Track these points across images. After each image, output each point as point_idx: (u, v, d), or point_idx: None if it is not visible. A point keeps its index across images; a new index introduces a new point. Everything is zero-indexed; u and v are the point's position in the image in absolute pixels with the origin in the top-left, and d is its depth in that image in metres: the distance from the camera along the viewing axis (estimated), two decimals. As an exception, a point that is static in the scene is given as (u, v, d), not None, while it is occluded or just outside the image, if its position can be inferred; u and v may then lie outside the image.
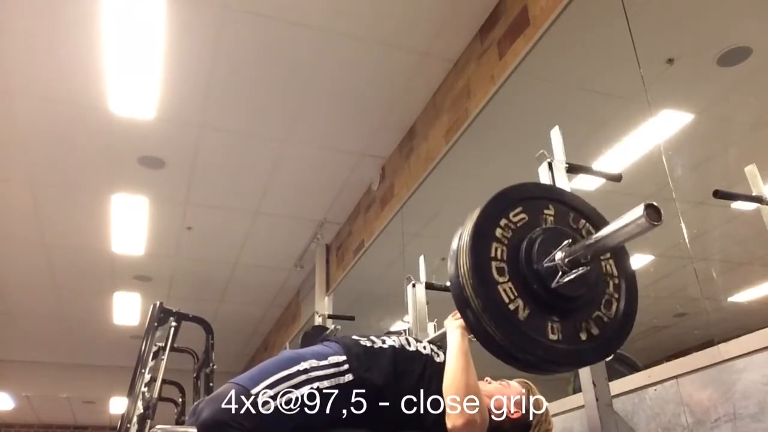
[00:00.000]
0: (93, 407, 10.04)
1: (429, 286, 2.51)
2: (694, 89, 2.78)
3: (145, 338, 3.44)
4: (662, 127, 2.48)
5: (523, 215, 1.26)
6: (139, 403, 3.17)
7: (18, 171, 4.48)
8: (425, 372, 1.47)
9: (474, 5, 3.22)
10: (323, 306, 5.41)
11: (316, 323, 4.73)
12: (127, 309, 6.98)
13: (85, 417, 10.67)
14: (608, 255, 1.33)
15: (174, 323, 3.53)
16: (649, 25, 2.45)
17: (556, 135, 1.81)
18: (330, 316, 4.70)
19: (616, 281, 1.32)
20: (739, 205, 2.55)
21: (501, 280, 1.18)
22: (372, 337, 1.52)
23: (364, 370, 1.39)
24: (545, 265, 1.19)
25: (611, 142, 2.84)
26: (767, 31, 2.44)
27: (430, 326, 2.49)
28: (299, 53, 3.49)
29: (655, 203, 1.01)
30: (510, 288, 1.18)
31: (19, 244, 5.55)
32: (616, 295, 1.30)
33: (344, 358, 1.40)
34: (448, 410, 1.37)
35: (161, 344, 3.46)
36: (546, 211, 1.30)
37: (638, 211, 1.02)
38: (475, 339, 1.28)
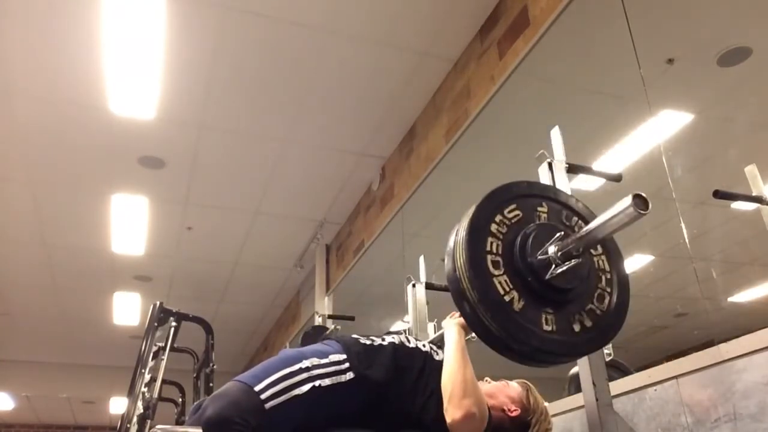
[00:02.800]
0: (93, 407, 10.04)
1: (429, 286, 2.51)
2: (694, 89, 2.78)
3: (145, 338, 3.44)
4: (662, 127, 2.48)
5: (517, 212, 1.30)
6: (139, 403, 3.17)
7: (18, 171, 4.48)
8: (425, 368, 1.48)
9: (474, 5, 3.22)
10: (323, 306, 5.41)
11: (316, 323, 4.73)
12: (127, 309, 6.97)
13: (85, 417, 10.67)
14: (600, 251, 1.37)
15: (174, 323, 3.53)
16: (649, 25, 2.45)
17: (556, 135, 1.81)
18: (330, 316, 4.70)
19: (608, 276, 1.35)
20: (739, 205, 2.55)
21: (496, 272, 1.22)
22: (372, 336, 1.53)
23: (365, 368, 1.40)
24: (539, 257, 1.23)
25: (611, 142, 2.85)
26: (767, 31, 2.44)
27: (430, 326, 2.49)
28: (299, 53, 3.49)
29: (642, 194, 1.06)
30: (505, 280, 1.22)
31: (19, 244, 5.55)
32: (609, 290, 1.34)
33: (344, 356, 1.41)
34: (446, 404, 1.38)
35: (161, 344, 3.46)
36: (540, 209, 1.34)
37: (626, 201, 1.06)
38: (474, 338, 1.29)
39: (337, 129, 4.16)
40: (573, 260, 1.21)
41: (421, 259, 2.60)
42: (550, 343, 1.21)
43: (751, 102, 2.65)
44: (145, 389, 3.23)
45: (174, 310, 3.56)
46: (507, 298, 1.20)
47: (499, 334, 1.19)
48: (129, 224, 5.25)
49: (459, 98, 3.49)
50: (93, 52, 3.42)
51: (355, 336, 1.51)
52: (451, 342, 1.52)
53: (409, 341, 1.55)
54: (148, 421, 3.09)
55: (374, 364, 1.42)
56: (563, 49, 2.84)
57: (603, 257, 1.36)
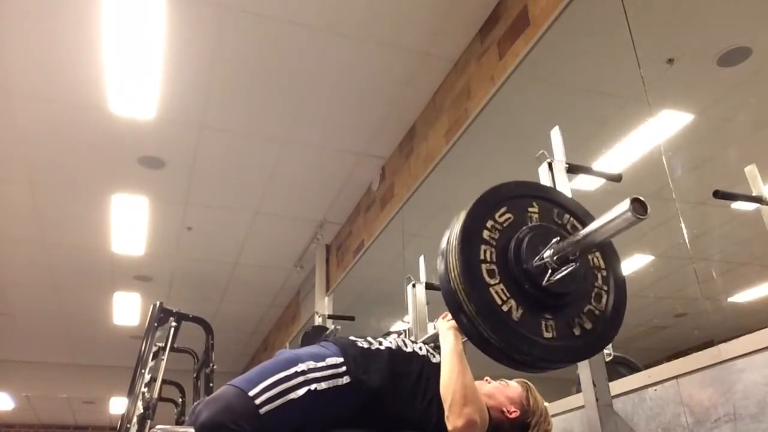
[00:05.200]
0: (93, 407, 10.05)
1: (429, 286, 2.51)
2: (694, 89, 2.78)
3: (145, 338, 3.43)
4: (662, 127, 2.48)
5: (508, 215, 1.27)
6: (139, 403, 3.17)
7: (18, 171, 4.48)
8: (423, 373, 1.47)
9: (474, 5, 3.22)
10: (323, 306, 5.41)
11: (316, 323, 4.73)
12: (127, 309, 6.97)
13: (85, 417, 10.68)
14: (594, 248, 1.33)
15: (174, 323, 3.53)
16: (649, 25, 2.45)
17: (556, 135, 1.81)
18: (330, 317, 4.69)
19: (604, 273, 1.32)
20: (739, 205, 2.55)
21: (492, 282, 1.18)
22: (369, 338, 1.52)
23: (361, 372, 1.39)
24: (535, 263, 1.20)
25: (611, 142, 2.85)
26: (767, 31, 2.44)
27: (430, 326, 2.49)
28: (299, 53, 3.49)
29: (641, 197, 1.03)
30: (502, 289, 1.18)
31: (19, 244, 5.55)
32: (605, 288, 1.31)
33: (341, 359, 1.40)
34: (447, 412, 1.37)
35: (161, 344, 3.45)
36: (530, 209, 1.30)
37: (624, 205, 1.03)
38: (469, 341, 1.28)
39: (337, 129, 4.16)
40: (570, 264, 1.18)
41: (421, 259, 2.60)
42: (552, 351, 1.19)
43: (751, 102, 2.65)
44: (145, 389, 3.23)
45: (174, 310, 3.56)
46: (505, 308, 1.17)
47: (500, 346, 1.17)
48: (129, 224, 5.25)
49: (459, 98, 3.49)
50: (93, 52, 3.42)
51: (352, 338, 1.50)
52: (448, 347, 1.50)
53: (405, 345, 1.54)
54: (148, 421, 3.08)
55: (370, 370, 1.41)
56: (563, 49, 2.83)
57: (597, 254, 1.34)
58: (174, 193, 4.83)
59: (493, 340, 1.16)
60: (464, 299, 1.16)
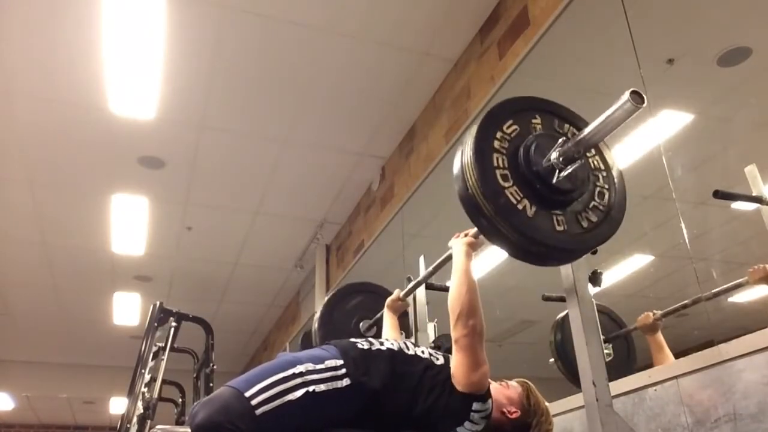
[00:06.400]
0: (93, 407, 10.05)
1: (429, 286, 2.51)
2: (694, 89, 2.77)
3: (145, 338, 3.44)
4: (662, 127, 2.48)
5: (515, 126, 1.41)
6: (139, 404, 3.18)
7: (18, 171, 4.48)
8: (426, 373, 1.47)
9: (474, 5, 3.22)
10: (323, 306, 5.40)
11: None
12: (127, 309, 6.98)
13: (85, 417, 10.68)
14: (593, 152, 1.48)
15: (174, 323, 3.54)
16: (649, 25, 2.44)
17: (556, 135, 1.81)
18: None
19: (605, 173, 1.48)
20: (739, 206, 2.55)
21: (506, 185, 1.32)
22: (370, 339, 1.52)
23: (362, 374, 1.39)
24: (543, 165, 1.34)
25: (611, 142, 2.84)
26: (767, 31, 2.44)
27: (430, 326, 2.49)
28: (299, 53, 3.49)
29: (638, 90, 1.15)
30: (515, 191, 1.32)
31: (19, 244, 5.55)
32: (607, 186, 1.46)
33: (341, 362, 1.40)
34: (453, 323, 1.46)
35: (161, 344, 3.46)
36: (534, 121, 1.45)
37: (624, 97, 1.15)
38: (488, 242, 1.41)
39: (337, 129, 4.16)
40: (576, 162, 1.31)
41: (421, 259, 2.60)
42: (565, 242, 1.33)
43: (751, 102, 2.65)
44: (145, 389, 3.23)
45: (174, 310, 3.57)
46: (520, 207, 1.29)
47: (518, 241, 1.30)
48: (129, 224, 5.25)
49: (459, 98, 3.49)
50: (93, 52, 3.42)
51: (353, 340, 1.51)
52: (459, 263, 1.60)
53: (407, 348, 1.54)
54: (148, 421, 3.09)
55: (371, 371, 1.41)
56: (563, 49, 2.83)
57: (597, 157, 1.48)
58: (174, 193, 4.83)
59: (512, 237, 1.30)
60: (483, 202, 1.29)
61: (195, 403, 1.35)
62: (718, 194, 1.97)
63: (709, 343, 1.62)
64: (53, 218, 5.15)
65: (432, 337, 2.46)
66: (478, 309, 1.49)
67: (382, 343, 1.51)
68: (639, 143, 2.73)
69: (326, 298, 2.76)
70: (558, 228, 1.32)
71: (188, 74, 3.62)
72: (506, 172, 1.33)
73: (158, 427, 1.38)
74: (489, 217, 1.29)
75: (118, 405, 9.24)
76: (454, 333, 1.46)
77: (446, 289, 1.80)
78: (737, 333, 1.54)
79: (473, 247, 1.64)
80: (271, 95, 3.81)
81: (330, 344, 1.48)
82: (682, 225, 2.05)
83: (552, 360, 2.27)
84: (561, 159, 1.32)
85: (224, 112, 3.97)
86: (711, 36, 2.56)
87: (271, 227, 5.40)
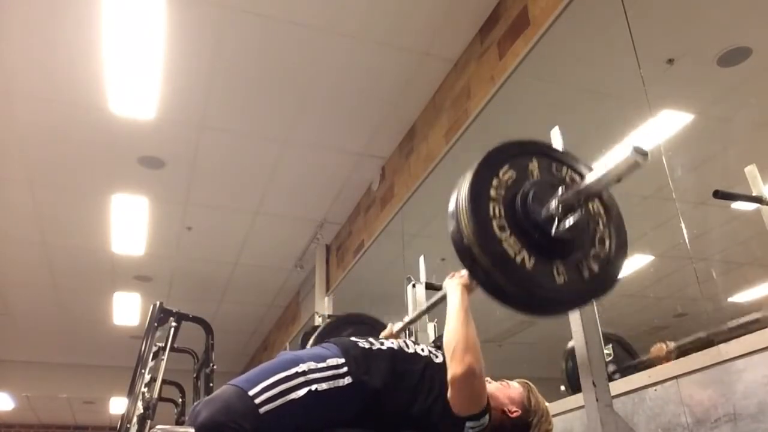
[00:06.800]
0: (93, 407, 10.05)
1: (429, 286, 2.51)
2: (694, 89, 2.77)
3: (145, 338, 3.44)
4: (662, 127, 2.48)
5: (511, 172, 1.34)
6: (139, 404, 3.17)
7: (18, 171, 4.48)
8: (426, 372, 1.47)
9: (474, 5, 3.22)
10: (323, 306, 5.41)
11: (316, 323, 4.73)
12: (127, 309, 6.97)
13: (85, 417, 10.67)
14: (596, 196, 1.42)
15: (174, 323, 3.53)
16: (649, 25, 2.45)
17: (556, 135, 1.81)
18: (330, 317, 4.69)
19: (605, 219, 1.41)
20: (739, 206, 2.55)
21: (503, 236, 1.26)
22: (371, 339, 1.52)
23: (363, 373, 1.39)
24: (542, 215, 1.28)
25: (611, 142, 2.84)
26: (767, 31, 2.44)
27: (430, 326, 2.49)
28: (299, 53, 3.49)
29: (641, 146, 1.12)
30: (513, 242, 1.26)
31: (19, 244, 5.55)
32: (608, 232, 1.39)
33: (343, 360, 1.40)
34: (449, 360, 1.41)
35: (161, 344, 3.46)
36: (530, 165, 1.39)
37: (626, 149, 1.11)
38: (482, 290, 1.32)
39: (337, 129, 4.16)
40: (576, 212, 1.26)
41: (421, 259, 2.60)
42: (564, 294, 1.27)
43: (751, 102, 2.65)
44: (145, 389, 3.23)
45: (174, 310, 3.56)
46: (518, 259, 1.23)
47: (517, 294, 1.24)
48: (129, 224, 5.25)
49: (459, 98, 3.49)
50: (93, 52, 3.42)
51: (353, 339, 1.50)
52: (455, 302, 1.54)
53: (407, 346, 1.54)
54: (148, 421, 3.09)
55: (372, 370, 1.41)
56: (563, 49, 2.83)
57: (597, 201, 1.42)
58: (174, 193, 4.83)
59: (510, 290, 1.24)
60: (479, 254, 1.23)
61: (196, 403, 1.35)
62: (718, 194, 1.97)
63: (709, 344, 1.63)
64: (53, 218, 5.15)
65: (432, 337, 2.46)
66: (475, 345, 1.42)
67: (382, 343, 1.51)
68: (639, 143, 2.73)
69: (319, 329, 2.74)
70: (558, 280, 1.26)
71: (188, 74, 3.62)
72: (503, 222, 1.27)
73: (158, 427, 1.37)
74: (486, 270, 1.23)
75: (118, 405, 9.24)
76: (450, 371, 1.39)
77: (446, 289, 1.79)
78: (737, 333, 1.54)
79: (468, 289, 1.57)
80: (271, 95, 3.81)
81: (331, 342, 1.48)
82: (682, 225, 2.05)
83: (563, 388, 2.25)
84: (560, 208, 1.26)
85: (224, 112, 3.97)
86: (711, 36, 2.56)
87: (271, 227, 5.40)
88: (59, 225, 5.26)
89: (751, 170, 2.03)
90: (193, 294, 6.58)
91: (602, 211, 1.41)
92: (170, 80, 3.64)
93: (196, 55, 3.49)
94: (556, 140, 1.80)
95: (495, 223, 1.26)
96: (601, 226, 1.38)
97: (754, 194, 1.99)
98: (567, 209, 1.26)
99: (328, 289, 5.54)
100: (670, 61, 2.59)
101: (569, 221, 1.25)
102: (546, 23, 2.73)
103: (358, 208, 5.06)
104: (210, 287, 6.51)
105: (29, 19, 3.23)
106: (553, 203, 1.27)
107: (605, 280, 1.33)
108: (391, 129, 4.16)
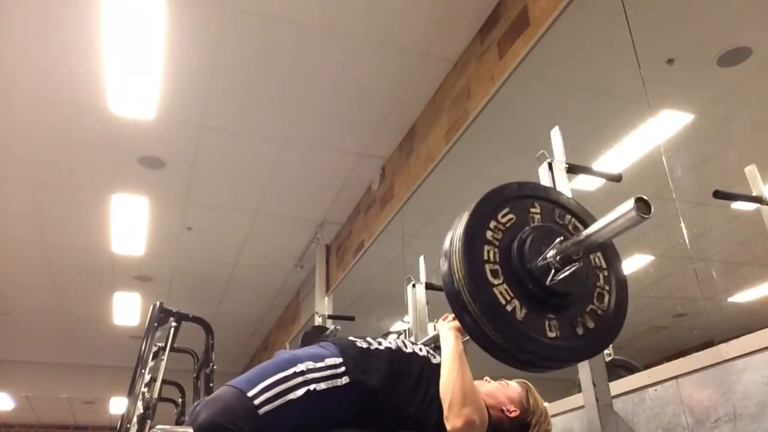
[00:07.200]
0: (93, 407, 10.05)
1: (429, 287, 2.51)
2: (694, 89, 2.77)
3: (145, 338, 3.43)
4: (662, 127, 2.48)
5: (510, 215, 1.27)
6: (139, 404, 3.17)
7: (18, 171, 4.48)
8: (423, 373, 1.47)
9: (474, 5, 3.22)
10: (323, 306, 5.41)
11: (316, 323, 4.73)
12: (127, 309, 6.97)
13: (85, 417, 10.67)
14: (597, 248, 1.33)
15: (174, 323, 3.53)
16: (649, 25, 2.44)
17: (556, 135, 1.81)
18: (330, 317, 4.69)
19: (606, 273, 1.33)
20: (739, 206, 2.55)
21: (496, 282, 1.18)
22: (369, 339, 1.52)
23: (360, 372, 1.39)
24: (538, 264, 1.20)
25: (611, 142, 2.84)
26: (767, 31, 2.44)
27: (430, 327, 2.48)
28: (299, 53, 3.49)
29: (644, 197, 1.03)
30: (505, 289, 1.18)
31: (19, 244, 5.55)
32: (607, 287, 1.31)
33: (341, 360, 1.40)
34: (446, 413, 1.37)
35: (161, 344, 3.45)
36: (532, 210, 1.31)
37: (628, 204, 1.03)
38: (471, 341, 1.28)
39: (337, 129, 4.16)
40: (573, 264, 1.18)
41: (421, 259, 2.60)
42: (555, 350, 1.19)
43: (751, 102, 2.65)
44: (145, 389, 3.23)
45: (174, 310, 3.56)
46: (509, 308, 1.17)
47: (504, 345, 1.17)
48: (129, 224, 5.25)
49: (459, 98, 3.49)
50: (93, 52, 3.42)
51: (351, 338, 1.50)
52: (449, 347, 1.51)
53: (405, 346, 1.54)
54: (148, 421, 3.08)
55: (369, 370, 1.41)
56: (563, 49, 2.83)
57: (599, 254, 1.34)
58: (174, 193, 4.83)
59: (498, 340, 1.16)
60: (468, 299, 1.16)
61: (196, 403, 1.34)
62: (718, 194, 1.97)
63: (709, 344, 1.62)
64: (53, 218, 5.15)
65: (425, 339, 2.46)
66: (472, 394, 1.40)
67: (380, 343, 1.51)
68: (639, 143, 2.73)
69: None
70: (550, 334, 1.18)
71: (188, 74, 3.62)
72: (497, 267, 1.19)
73: (158, 427, 1.37)
74: (474, 317, 1.16)
75: (118, 405, 9.24)
76: (449, 425, 1.36)
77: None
78: (737, 333, 1.54)
79: (461, 332, 1.53)
80: (272, 95, 3.81)
81: (328, 342, 1.48)
82: (682, 225, 2.05)
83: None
84: (558, 259, 1.18)
85: (224, 112, 3.97)
86: (711, 36, 2.56)
87: (271, 227, 5.40)
88: (59, 225, 5.26)
89: (751, 170, 2.02)
90: (193, 294, 6.58)
91: (604, 264, 1.33)
92: (170, 80, 3.64)
93: (196, 55, 3.49)
94: (556, 140, 1.80)
95: (488, 268, 1.19)
96: (601, 280, 1.31)
97: (754, 194, 1.98)
98: (565, 260, 1.18)
99: (328, 289, 5.54)
100: (670, 61, 2.59)
101: (566, 272, 1.18)
102: (546, 23, 2.73)
103: (358, 208, 5.06)
104: (210, 287, 6.51)
105: (29, 19, 3.23)
106: (551, 253, 1.19)
107: (599, 338, 1.26)
108: (391, 129, 4.16)
